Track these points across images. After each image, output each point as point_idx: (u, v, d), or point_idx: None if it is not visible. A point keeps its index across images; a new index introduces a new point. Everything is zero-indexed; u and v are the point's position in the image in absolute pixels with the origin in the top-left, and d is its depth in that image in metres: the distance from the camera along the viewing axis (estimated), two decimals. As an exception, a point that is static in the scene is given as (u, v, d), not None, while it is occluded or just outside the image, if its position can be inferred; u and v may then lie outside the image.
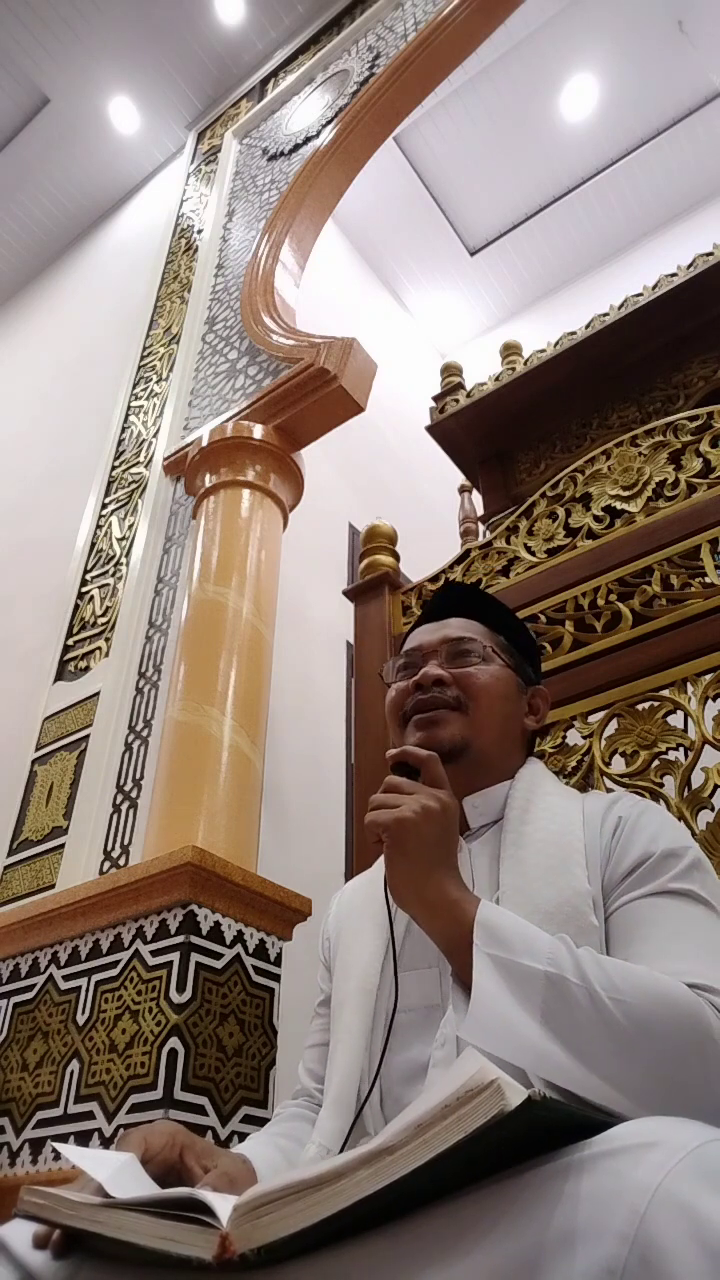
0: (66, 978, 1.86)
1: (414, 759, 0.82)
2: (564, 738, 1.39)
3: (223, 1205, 0.52)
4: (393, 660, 1.03)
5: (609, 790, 1.27)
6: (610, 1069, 0.64)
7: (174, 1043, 1.57)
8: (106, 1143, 1.58)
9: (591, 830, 0.85)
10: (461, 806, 0.92)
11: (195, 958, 1.66)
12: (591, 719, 1.37)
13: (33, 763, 2.56)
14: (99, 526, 3.17)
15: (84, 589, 2.98)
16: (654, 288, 2.46)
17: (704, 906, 0.77)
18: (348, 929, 0.95)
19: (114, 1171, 0.64)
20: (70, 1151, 0.66)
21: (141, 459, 3.22)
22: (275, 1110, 0.98)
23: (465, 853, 0.90)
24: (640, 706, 1.32)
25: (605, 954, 0.76)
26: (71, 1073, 1.72)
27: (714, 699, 1.26)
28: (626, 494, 1.55)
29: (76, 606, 2.94)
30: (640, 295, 2.47)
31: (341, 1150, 0.76)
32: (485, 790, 0.94)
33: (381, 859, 0.99)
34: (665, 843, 0.82)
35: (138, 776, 2.27)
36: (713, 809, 1.19)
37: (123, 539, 2.98)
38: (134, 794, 2.24)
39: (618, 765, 1.30)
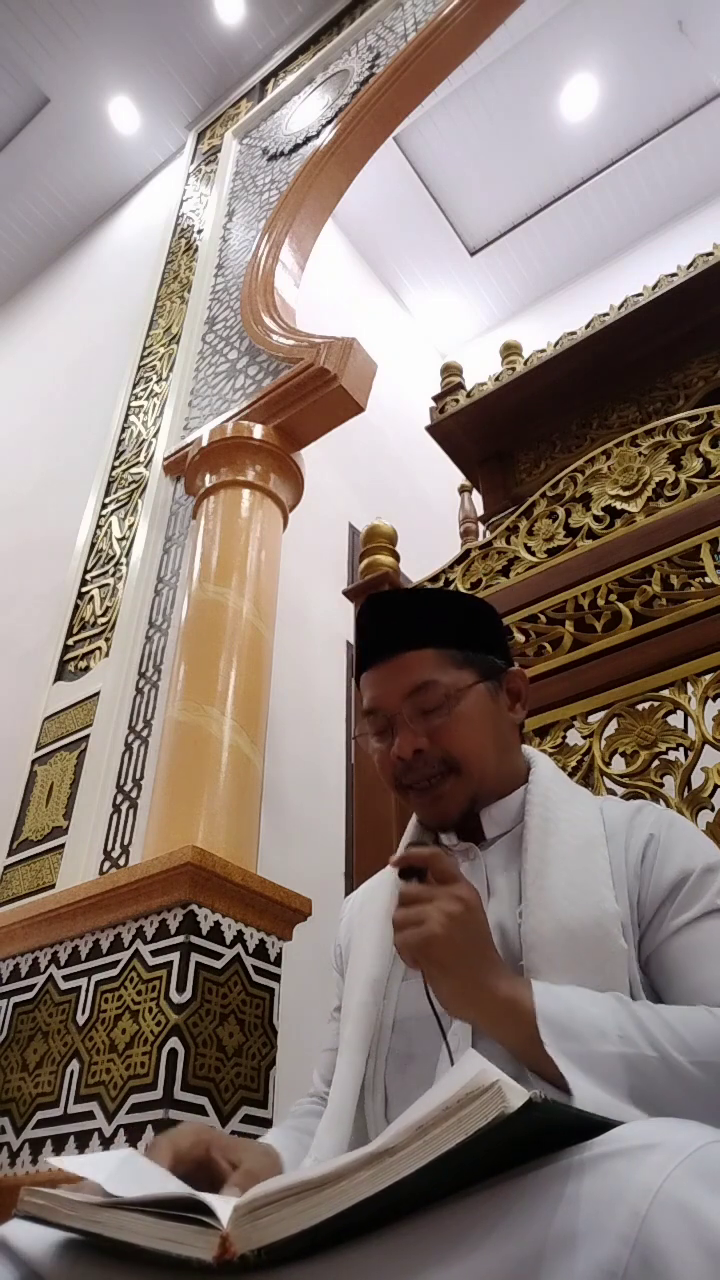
0: (66, 978, 1.86)
1: (418, 861, 0.77)
2: (564, 738, 1.39)
3: (223, 1206, 0.52)
4: (364, 719, 0.94)
5: (609, 791, 1.27)
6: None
7: (174, 1043, 1.57)
8: (106, 1143, 1.58)
9: (616, 845, 0.83)
10: (479, 817, 0.91)
11: (195, 958, 1.66)
12: (591, 719, 1.37)
13: (33, 763, 2.56)
14: (99, 526, 3.16)
15: (84, 589, 2.98)
16: (654, 288, 2.46)
17: None
18: (356, 938, 0.94)
19: (113, 1170, 0.64)
20: (69, 1162, 0.66)
21: (141, 459, 3.22)
22: (290, 1109, 0.98)
23: (480, 862, 0.88)
24: (640, 706, 1.32)
25: (640, 978, 0.76)
26: (71, 1073, 1.72)
27: (714, 699, 1.26)
28: (626, 494, 1.55)
29: (76, 606, 2.94)
30: (640, 295, 2.47)
31: None
32: (499, 802, 0.91)
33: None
34: (701, 858, 0.81)
35: (138, 776, 2.27)
36: (713, 809, 1.19)
37: (123, 539, 2.98)
38: (134, 794, 2.24)
39: (618, 765, 1.30)
